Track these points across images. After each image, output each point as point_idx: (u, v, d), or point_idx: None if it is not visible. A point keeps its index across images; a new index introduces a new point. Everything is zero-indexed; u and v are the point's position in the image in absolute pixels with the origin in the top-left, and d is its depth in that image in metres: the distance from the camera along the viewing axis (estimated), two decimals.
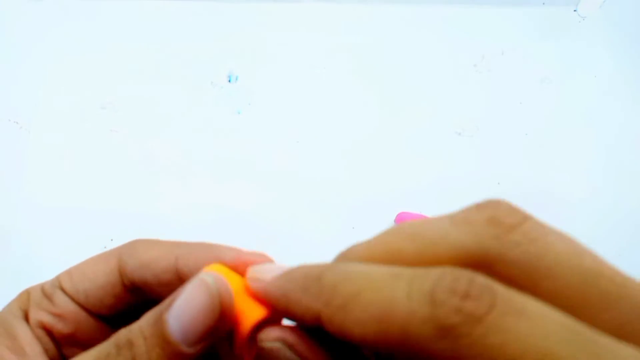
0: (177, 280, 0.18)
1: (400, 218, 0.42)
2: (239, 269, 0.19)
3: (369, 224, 0.42)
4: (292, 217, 0.42)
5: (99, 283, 0.19)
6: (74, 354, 0.18)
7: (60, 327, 0.19)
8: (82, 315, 0.19)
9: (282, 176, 0.44)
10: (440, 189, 0.44)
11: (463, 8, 0.52)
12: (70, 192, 0.43)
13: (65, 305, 0.19)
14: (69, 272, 0.19)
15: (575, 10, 0.53)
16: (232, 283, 0.17)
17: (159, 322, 0.15)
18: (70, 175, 0.43)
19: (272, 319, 0.18)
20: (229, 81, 0.48)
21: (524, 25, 0.52)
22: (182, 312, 0.15)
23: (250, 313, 0.17)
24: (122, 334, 0.16)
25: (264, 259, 0.19)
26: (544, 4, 0.53)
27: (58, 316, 0.19)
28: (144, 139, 0.45)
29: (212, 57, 0.48)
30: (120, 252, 0.19)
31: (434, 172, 0.45)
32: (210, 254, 0.19)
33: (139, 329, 0.16)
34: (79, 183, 0.43)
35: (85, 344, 0.18)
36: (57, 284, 0.19)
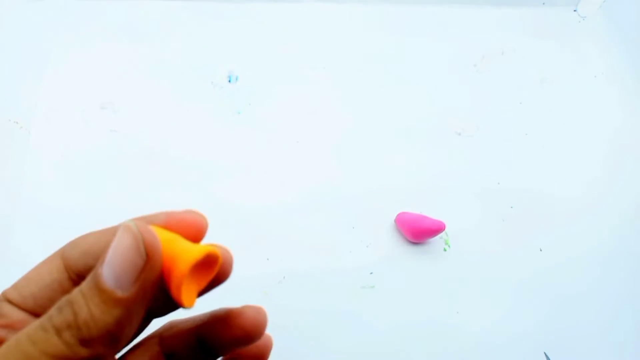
0: None
1: (400, 218, 0.42)
2: (173, 228, 0.19)
3: (369, 224, 0.43)
4: (292, 216, 0.42)
5: (45, 283, 0.19)
6: None
7: (10, 336, 0.18)
8: (32, 320, 0.18)
9: (282, 176, 0.44)
10: (440, 189, 0.44)
11: (463, 8, 0.52)
12: (70, 192, 0.43)
13: (13, 314, 0.19)
14: (13, 285, 0.19)
15: (575, 10, 0.53)
16: (164, 234, 0.18)
17: (94, 275, 0.16)
18: (70, 176, 0.43)
19: (213, 260, 0.19)
20: (229, 81, 0.48)
21: (524, 25, 0.52)
22: (112, 259, 0.16)
23: (191, 252, 0.17)
24: (63, 298, 0.16)
25: (195, 215, 0.19)
26: (544, 4, 0.53)
27: (7, 327, 0.18)
28: (144, 139, 0.45)
29: (212, 57, 0.48)
30: (62, 250, 0.20)
31: (434, 172, 0.45)
32: (141, 221, 0.19)
33: (78, 289, 0.16)
34: (78, 183, 0.43)
35: None
36: (2, 297, 0.19)
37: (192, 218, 0.19)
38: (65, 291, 0.19)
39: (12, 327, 0.18)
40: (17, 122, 0.45)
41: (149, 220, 0.19)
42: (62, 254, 0.20)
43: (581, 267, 0.42)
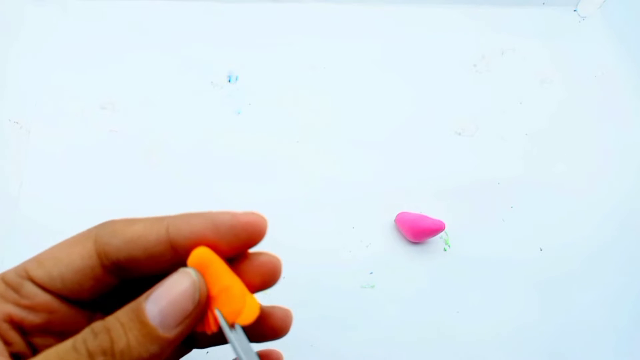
0: (170, 250, 0.18)
1: (400, 218, 0.42)
2: (238, 229, 0.19)
3: (369, 224, 0.43)
4: (292, 217, 0.42)
5: (75, 267, 0.18)
6: (46, 343, 0.17)
7: (31, 318, 0.18)
8: (55, 303, 0.18)
9: (282, 176, 0.44)
10: (440, 189, 0.44)
11: (463, 8, 0.52)
12: (70, 193, 0.43)
13: (35, 295, 0.18)
14: (37, 260, 0.18)
15: (575, 10, 0.53)
16: (218, 267, 0.18)
17: (137, 309, 0.16)
18: (70, 176, 0.43)
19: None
20: (229, 81, 0.48)
21: (524, 25, 0.52)
22: (162, 297, 0.16)
23: (242, 307, 0.18)
24: (98, 323, 0.16)
25: (258, 218, 0.20)
26: (544, 4, 0.53)
27: (28, 308, 0.18)
28: (144, 139, 0.45)
29: (212, 57, 0.48)
30: (96, 234, 0.19)
31: (434, 172, 0.45)
32: (205, 219, 0.19)
33: (115, 317, 0.16)
34: (79, 183, 0.43)
35: (59, 332, 0.18)
36: (24, 274, 0.18)
37: (255, 220, 0.20)
38: (96, 278, 0.18)
39: (34, 310, 0.18)
40: (17, 122, 0.45)
41: (215, 218, 0.19)
42: (95, 237, 0.19)
43: (582, 267, 0.42)
